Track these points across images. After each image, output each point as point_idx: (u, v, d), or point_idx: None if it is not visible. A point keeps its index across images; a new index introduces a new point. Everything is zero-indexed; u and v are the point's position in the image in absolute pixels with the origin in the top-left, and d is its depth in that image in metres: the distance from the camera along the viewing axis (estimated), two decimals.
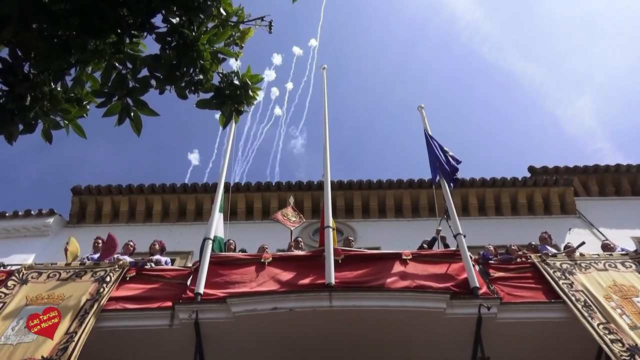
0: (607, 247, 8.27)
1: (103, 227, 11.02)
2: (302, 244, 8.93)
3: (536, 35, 28.38)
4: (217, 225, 8.07)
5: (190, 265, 8.59)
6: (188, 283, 7.08)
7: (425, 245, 8.54)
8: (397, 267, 7.10)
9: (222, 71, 3.01)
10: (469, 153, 26.42)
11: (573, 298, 6.51)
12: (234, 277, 7.10)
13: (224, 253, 7.84)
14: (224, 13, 2.87)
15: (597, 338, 5.86)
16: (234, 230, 9.61)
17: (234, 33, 3.03)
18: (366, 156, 29.16)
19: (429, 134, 9.44)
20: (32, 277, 7.15)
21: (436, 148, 8.99)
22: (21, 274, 7.21)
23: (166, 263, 8.18)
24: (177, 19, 2.67)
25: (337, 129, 27.31)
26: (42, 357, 5.62)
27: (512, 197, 12.16)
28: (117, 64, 2.80)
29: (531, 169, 12.91)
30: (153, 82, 2.82)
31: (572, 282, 6.86)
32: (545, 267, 7.22)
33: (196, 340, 6.35)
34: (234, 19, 2.97)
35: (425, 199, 12.02)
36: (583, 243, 8.01)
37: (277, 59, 18.98)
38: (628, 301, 6.50)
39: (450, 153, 8.89)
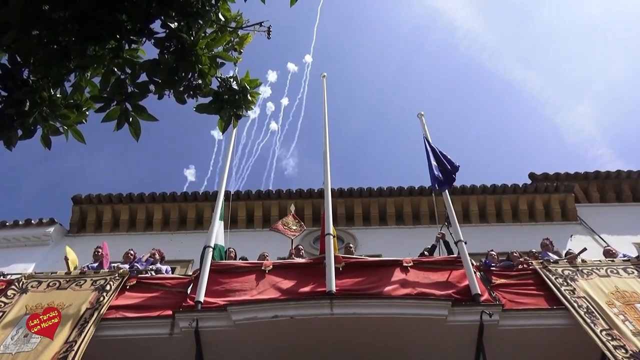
0: (608, 253, 8.23)
1: (103, 236, 10.99)
2: (302, 251, 8.90)
3: (535, 43, 28.52)
4: (218, 234, 8.05)
5: (190, 273, 8.56)
6: (188, 291, 7.05)
7: (426, 253, 8.50)
8: (398, 275, 7.08)
9: (221, 75, 3.01)
10: (470, 160, 26.42)
11: (575, 304, 6.47)
12: (234, 285, 7.07)
13: (224, 261, 7.82)
14: (223, 18, 2.89)
15: (600, 344, 5.82)
16: (234, 238, 9.59)
17: (232, 39, 3.05)
18: (367, 164, 29.20)
19: (428, 141, 9.44)
20: (32, 286, 7.13)
21: (436, 152, 8.98)
22: (21, 283, 7.19)
23: (166, 271, 8.16)
24: (176, 24, 2.68)
25: (337, 137, 27.36)
26: None
27: (513, 204, 12.14)
28: (115, 69, 2.80)
29: (532, 175, 12.91)
30: (152, 87, 2.83)
31: (574, 289, 6.82)
32: (547, 273, 7.19)
33: (196, 349, 6.32)
34: (233, 24, 2.99)
35: (426, 206, 12.01)
36: (585, 249, 7.99)
37: (272, 76, 19.08)
38: (631, 307, 6.46)
39: (449, 157, 8.88)
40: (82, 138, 2.99)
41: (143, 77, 2.86)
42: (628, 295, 6.70)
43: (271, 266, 7.39)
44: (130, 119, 2.86)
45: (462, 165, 8.89)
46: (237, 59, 3.14)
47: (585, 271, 7.25)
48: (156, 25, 2.76)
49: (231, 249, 8.60)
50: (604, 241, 10.54)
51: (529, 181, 12.72)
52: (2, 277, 7.75)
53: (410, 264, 7.26)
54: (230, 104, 2.96)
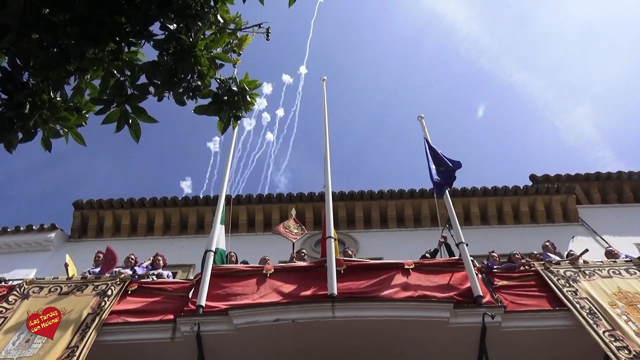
0: (610, 254, 8.22)
1: (105, 241, 10.99)
2: (304, 255, 8.89)
3: (534, 46, 28.57)
4: (219, 238, 8.05)
5: (192, 278, 8.55)
6: (190, 296, 7.04)
7: (427, 255, 8.49)
8: (400, 277, 7.06)
9: (220, 77, 3.02)
10: (470, 162, 26.40)
11: (578, 305, 6.45)
12: (235, 289, 7.06)
13: (225, 265, 7.81)
14: (222, 20, 2.90)
15: (603, 345, 5.79)
16: (235, 242, 9.57)
17: (231, 40, 3.05)
18: (367, 167, 29.21)
19: (428, 142, 9.43)
20: (33, 292, 7.12)
21: (437, 152, 8.97)
22: (22, 288, 7.18)
23: (168, 276, 8.15)
24: (175, 25, 2.69)
25: (338, 140, 27.35)
26: None
27: (514, 206, 12.12)
28: (115, 72, 2.81)
29: (533, 177, 12.89)
30: (151, 88, 2.84)
31: (577, 290, 6.80)
32: (549, 274, 7.17)
33: (198, 353, 6.30)
34: (232, 26, 2.99)
35: (427, 208, 12.00)
36: (586, 250, 7.96)
37: (267, 88, 19.11)
38: (633, 308, 6.44)
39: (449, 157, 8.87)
40: (83, 140, 2.99)
41: (142, 79, 2.87)
42: (630, 295, 6.68)
43: (272, 270, 7.37)
44: (130, 121, 2.87)
45: (463, 167, 8.89)
46: (236, 61, 3.15)
47: (587, 272, 7.23)
48: (155, 27, 2.77)
49: (232, 253, 8.59)
50: (606, 242, 10.51)
51: (530, 183, 12.71)
52: (3, 283, 7.75)
53: (411, 267, 7.25)
54: (229, 105, 2.97)
